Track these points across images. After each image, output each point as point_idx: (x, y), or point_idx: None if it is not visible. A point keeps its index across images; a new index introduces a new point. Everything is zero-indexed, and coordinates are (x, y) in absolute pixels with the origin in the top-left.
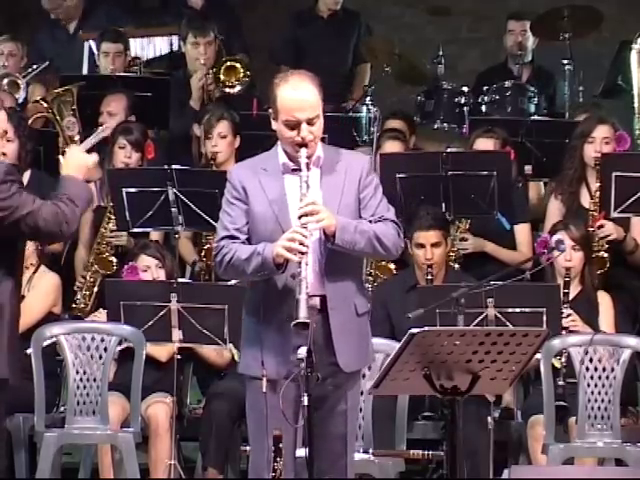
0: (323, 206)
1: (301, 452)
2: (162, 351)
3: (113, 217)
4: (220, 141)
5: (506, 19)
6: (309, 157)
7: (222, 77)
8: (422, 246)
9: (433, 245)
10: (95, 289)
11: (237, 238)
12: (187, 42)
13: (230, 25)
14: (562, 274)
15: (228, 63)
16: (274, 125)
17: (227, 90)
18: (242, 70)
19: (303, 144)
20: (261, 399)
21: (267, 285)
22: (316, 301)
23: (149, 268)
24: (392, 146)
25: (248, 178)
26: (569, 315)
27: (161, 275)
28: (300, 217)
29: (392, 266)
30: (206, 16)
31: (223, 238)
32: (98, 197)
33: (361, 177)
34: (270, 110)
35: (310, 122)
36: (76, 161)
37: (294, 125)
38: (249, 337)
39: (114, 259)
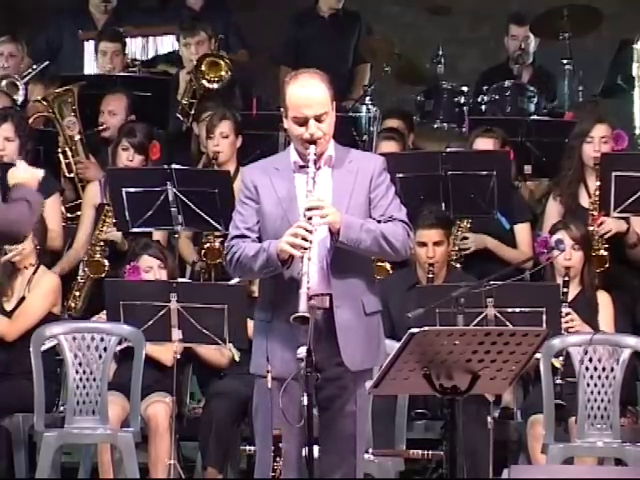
0: (329, 203)
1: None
2: (167, 354)
3: (109, 219)
4: (222, 141)
5: (508, 23)
6: (319, 155)
7: (203, 68)
8: (424, 244)
9: (435, 244)
10: (85, 291)
11: (247, 237)
12: (181, 43)
13: (227, 25)
14: (562, 273)
15: (212, 58)
16: (285, 124)
17: (204, 83)
18: (224, 69)
19: (312, 141)
20: (269, 398)
21: (276, 282)
22: (325, 301)
23: (151, 269)
24: (387, 146)
25: (259, 177)
26: (567, 314)
27: (163, 276)
28: (305, 211)
29: (388, 266)
30: (202, 17)
31: (234, 237)
32: (102, 195)
33: (372, 177)
34: (281, 109)
35: (318, 119)
36: (27, 173)
37: (302, 122)
38: (259, 335)
39: (106, 262)
